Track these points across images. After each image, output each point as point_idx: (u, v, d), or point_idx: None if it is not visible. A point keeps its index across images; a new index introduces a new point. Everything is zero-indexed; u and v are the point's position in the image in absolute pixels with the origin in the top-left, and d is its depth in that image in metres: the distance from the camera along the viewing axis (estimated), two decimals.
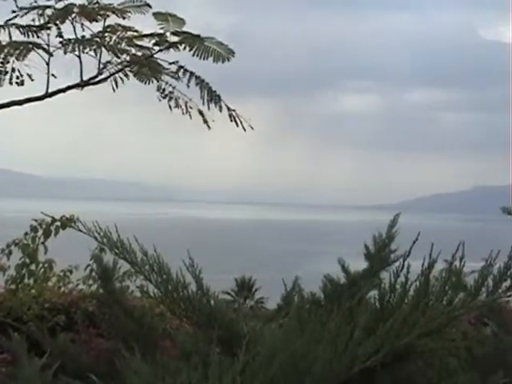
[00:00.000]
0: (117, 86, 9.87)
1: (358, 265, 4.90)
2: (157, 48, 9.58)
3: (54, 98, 9.65)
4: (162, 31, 9.45)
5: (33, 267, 10.50)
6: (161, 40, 9.45)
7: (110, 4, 9.44)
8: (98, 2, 9.41)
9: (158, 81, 9.87)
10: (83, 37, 9.47)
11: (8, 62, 9.18)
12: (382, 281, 4.14)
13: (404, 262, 3.59)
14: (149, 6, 9.52)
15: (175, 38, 9.41)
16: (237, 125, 9.80)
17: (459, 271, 3.50)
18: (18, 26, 9.42)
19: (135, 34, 9.60)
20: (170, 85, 9.94)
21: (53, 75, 9.44)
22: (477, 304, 3.35)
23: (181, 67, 9.70)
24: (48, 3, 9.41)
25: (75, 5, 9.38)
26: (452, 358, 4.03)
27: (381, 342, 3.23)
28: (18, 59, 9.16)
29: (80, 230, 4.09)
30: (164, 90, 9.93)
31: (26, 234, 10.57)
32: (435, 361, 3.82)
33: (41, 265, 10.56)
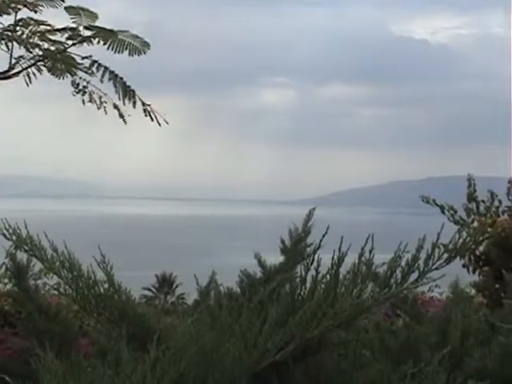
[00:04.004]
0: (30, 81, 9.73)
1: (276, 259, 4.92)
2: (70, 42, 9.46)
3: None
4: (74, 25, 9.34)
5: None
6: (74, 34, 9.33)
7: None
8: None
9: (72, 76, 9.74)
10: None
11: None
12: (295, 274, 4.16)
13: (314, 255, 3.61)
14: None
15: (88, 33, 9.31)
16: (151, 119, 9.76)
17: (369, 263, 3.53)
18: None
19: (48, 28, 9.45)
20: (85, 80, 9.83)
21: None
22: (385, 295, 3.39)
23: (94, 62, 9.60)
24: None
25: None
26: (366, 350, 4.08)
27: (291, 335, 3.25)
28: None
29: None
30: (78, 84, 9.81)
31: None
32: (349, 352, 3.86)
33: None
